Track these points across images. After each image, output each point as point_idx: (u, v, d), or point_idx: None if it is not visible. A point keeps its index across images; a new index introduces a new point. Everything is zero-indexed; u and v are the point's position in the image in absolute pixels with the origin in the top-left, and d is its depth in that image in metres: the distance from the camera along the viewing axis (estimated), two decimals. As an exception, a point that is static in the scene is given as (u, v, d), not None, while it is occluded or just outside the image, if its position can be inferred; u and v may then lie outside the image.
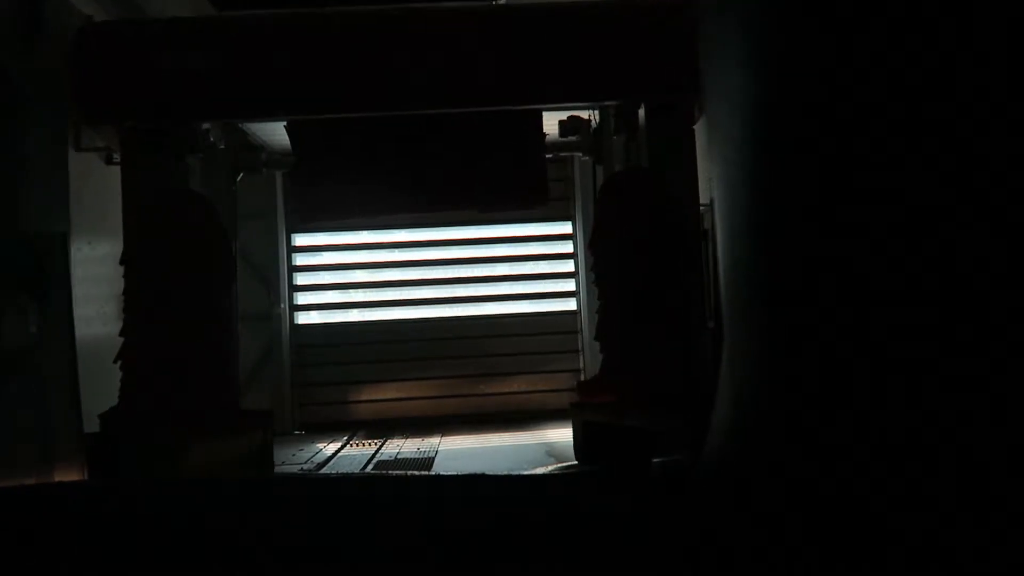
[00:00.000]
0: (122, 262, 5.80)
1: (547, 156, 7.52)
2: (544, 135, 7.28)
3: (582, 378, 10.29)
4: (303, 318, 10.43)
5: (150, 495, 3.08)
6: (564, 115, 7.62)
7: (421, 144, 7.24)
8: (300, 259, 10.48)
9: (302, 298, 10.45)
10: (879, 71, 1.72)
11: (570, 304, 10.51)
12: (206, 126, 6.90)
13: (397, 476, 6.04)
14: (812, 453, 1.86)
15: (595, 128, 7.53)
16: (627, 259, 5.97)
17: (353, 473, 6.94)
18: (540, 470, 5.83)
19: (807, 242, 1.89)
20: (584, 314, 10.27)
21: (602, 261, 6.30)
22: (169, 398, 5.63)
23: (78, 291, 7.23)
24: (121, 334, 5.76)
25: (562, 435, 7.99)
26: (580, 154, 7.66)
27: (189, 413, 5.63)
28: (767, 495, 1.96)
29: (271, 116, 6.44)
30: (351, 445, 8.81)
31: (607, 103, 6.51)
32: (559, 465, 6.06)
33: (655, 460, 4.00)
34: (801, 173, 1.90)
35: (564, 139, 7.66)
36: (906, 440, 1.67)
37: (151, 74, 5.81)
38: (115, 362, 5.73)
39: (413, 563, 2.08)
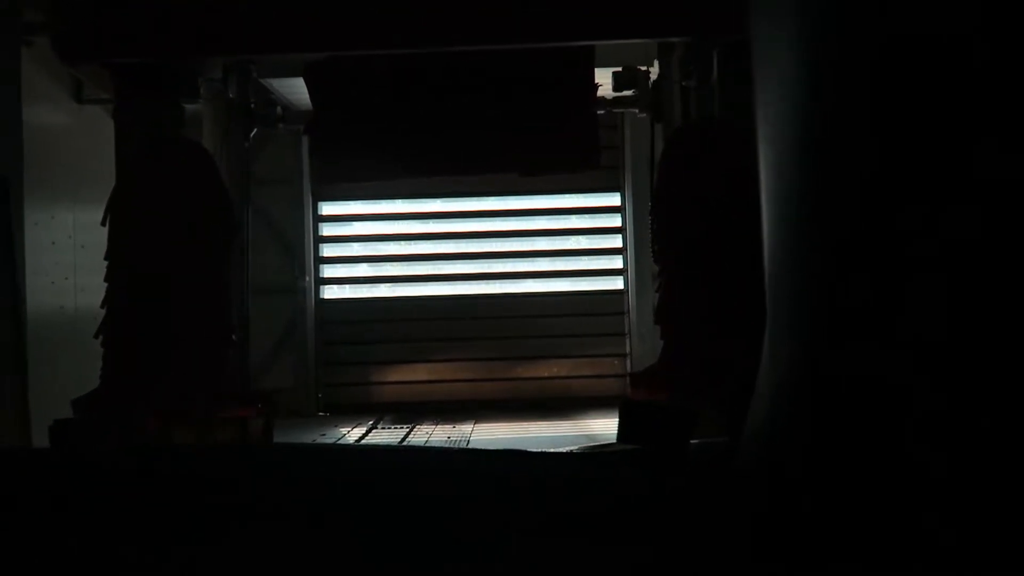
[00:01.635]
0: (103, 221, 4.84)
1: (599, 112, 6.42)
2: (596, 86, 6.19)
3: (629, 366, 9.24)
4: (329, 292, 9.50)
5: (177, 459, 3.03)
6: (617, 68, 6.51)
7: (456, 96, 6.21)
8: (327, 229, 9.53)
9: (329, 271, 9.52)
10: (940, 60, 1.63)
11: (617, 283, 9.42)
12: (218, 74, 5.96)
13: (433, 448, 5.72)
14: (849, 446, 1.79)
15: (654, 81, 6.40)
16: (696, 227, 4.87)
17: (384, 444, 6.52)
18: (573, 448, 5.13)
19: (856, 232, 1.80)
20: (632, 294, 9.20)
21: (665, 229, 5.21)
22: (155, 379, 4.69)
23: (82, 259, 6.41)
24: (103, 305, 4.81)
25: (606, 426, 7.06)
26: (636, 111, 6.53)
27: (178, 396, 4.68)
28: (801, 485, 1.90)
29: (277, 50, 5.39)
30: (377, 430, 8.00)
31: (675, 39, 5.33)
32: (594, 444, 5.39)
33: (693, 442, 3.68)
34: (855, 160, 1.81)
35: (618, 94, 6.54)
36: (946, 439, 1.60)
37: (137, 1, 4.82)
38: (96, 336, 4.80)
39: (439, 538, 2.00)
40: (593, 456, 4.32)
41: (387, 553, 1.90)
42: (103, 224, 4.84)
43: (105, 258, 4.85)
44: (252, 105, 6.54)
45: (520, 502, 2.23)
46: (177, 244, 4.81)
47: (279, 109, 6.59)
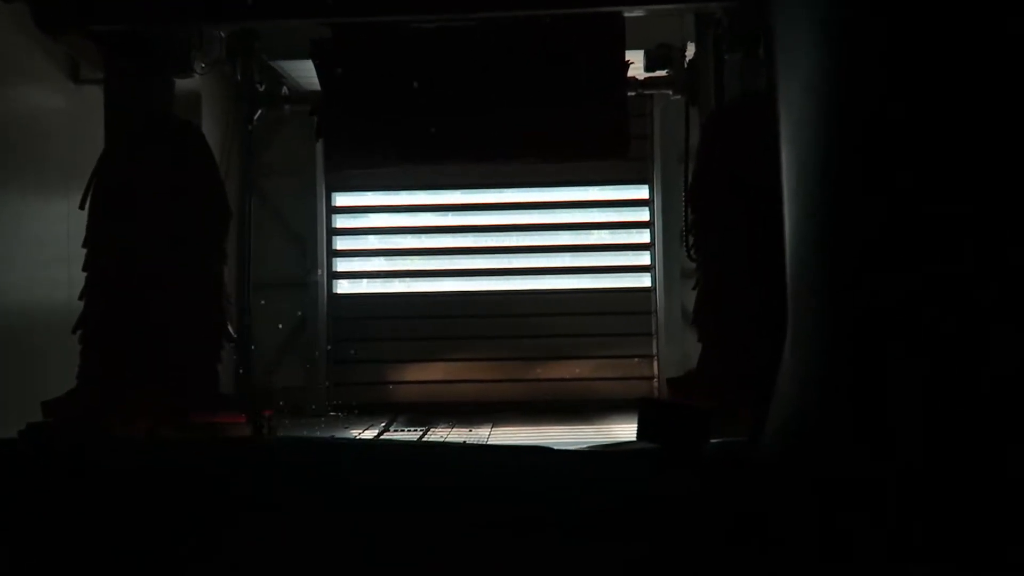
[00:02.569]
0: (82, 205, 4.32)
1: (629, 94, 5.82)
2: (627, 64, 5.61)
3: (656, 368, 8.64)
4: (342, 287, 8.96)
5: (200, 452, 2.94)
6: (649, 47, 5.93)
7: (473, 76, 5.65)
8: (341, 221, 8.99)
9: (342, 264, 8.98)
10: (959, 49, 1.60)
11: (643, 280, 8.81)
12: (221, 52, 5.44)
13: (446, 444, 5.54)
14: (873, 442, 1.74)
15: (690, 60, 5.80)
16: (740, 217, 4.25)
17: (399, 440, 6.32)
18: (590, 445, 5.05)
19: (880, 231, 1.76)
20: (659, 292, 8.59)
21: (705, 220, 4.60)
22: (137, 380, 4.17)
23: (76, 250, 5.92)
24: (81, 297, 4.30)
25: (630, 431, 6.47)
26: (670, 92, 5.93)
27: (163, 400, 4.15)
28: (823, 481, 1.85)
29: (271, 17, 4.80)
30: (390, 432, 7.52)
31: (716, 3, 4.69)
32: (613, 441, 5.30)
33: (713, 441, 3.50)
34: (875, 156, 1.78)
35: (651, 74, 5.94)
36: (971, 431, 1.53)
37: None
38: (73, 332, 4.28)
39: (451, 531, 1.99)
40: (608, 454, 4.20)
41: (386, 546, 1.87)
42: (81, 207, 4.31)
43: (83, 245, 4.32)
44: (258, 85, 6.03)
45: (527, 498, 2.18)
46: (164, 230, 4.28)
47: (285, 90, 6.05)
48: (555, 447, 3.84)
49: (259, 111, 5.95)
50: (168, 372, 4.27)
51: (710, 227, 4.59)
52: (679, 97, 5.90)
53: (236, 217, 7.16)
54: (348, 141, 5.82)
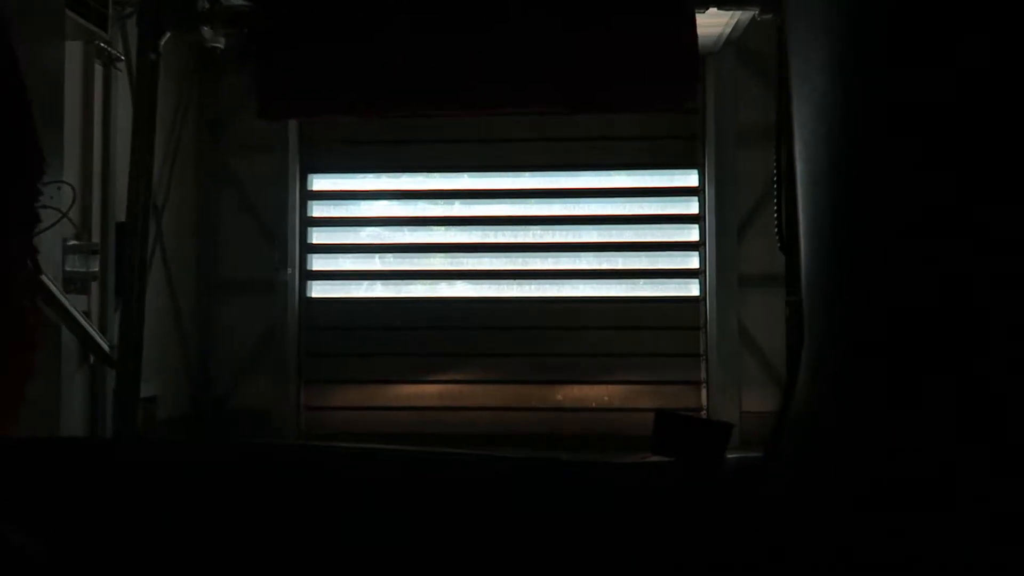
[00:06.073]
0: None
1: (697, 13, 3.81)
2: None
3: (704, 397, 6.59)
4: (318, 290, 7.00)
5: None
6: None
7: None
8: (318, 209, 7.04)
9: (319, 262, 7.02)
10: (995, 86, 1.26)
11: (691, 288, 6.77)
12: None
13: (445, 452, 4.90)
14: (896, 453, 1.52)
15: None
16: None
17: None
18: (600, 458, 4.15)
19: (894, 246, 1.49)
20: (710, 303, 6.55)
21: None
22: None
23: None
24: None
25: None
26: (756, 12, 3.90)
27: None
28: (842, 496, 1.62)
29: None
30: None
31: None
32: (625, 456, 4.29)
33: (730, 456, 2.46)
34: (893, 174, 1.48)
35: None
36: (999, 440, 1.31)
37: None
38: None
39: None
40: (616, 464, 3.38)
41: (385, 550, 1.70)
42: None
43: None
44: None
45: (527, 505, 1.88)
46: None
47: (205, 3, 4.07)
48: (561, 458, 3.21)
49: (166, 34, 3.97)
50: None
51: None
52: (768, 16, 3.85)
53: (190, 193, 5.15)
54: (290, 77, 3.85)
